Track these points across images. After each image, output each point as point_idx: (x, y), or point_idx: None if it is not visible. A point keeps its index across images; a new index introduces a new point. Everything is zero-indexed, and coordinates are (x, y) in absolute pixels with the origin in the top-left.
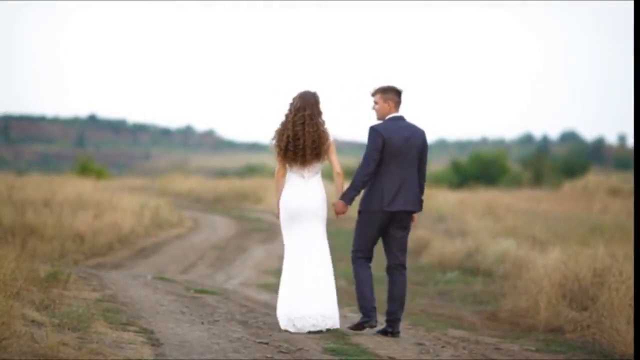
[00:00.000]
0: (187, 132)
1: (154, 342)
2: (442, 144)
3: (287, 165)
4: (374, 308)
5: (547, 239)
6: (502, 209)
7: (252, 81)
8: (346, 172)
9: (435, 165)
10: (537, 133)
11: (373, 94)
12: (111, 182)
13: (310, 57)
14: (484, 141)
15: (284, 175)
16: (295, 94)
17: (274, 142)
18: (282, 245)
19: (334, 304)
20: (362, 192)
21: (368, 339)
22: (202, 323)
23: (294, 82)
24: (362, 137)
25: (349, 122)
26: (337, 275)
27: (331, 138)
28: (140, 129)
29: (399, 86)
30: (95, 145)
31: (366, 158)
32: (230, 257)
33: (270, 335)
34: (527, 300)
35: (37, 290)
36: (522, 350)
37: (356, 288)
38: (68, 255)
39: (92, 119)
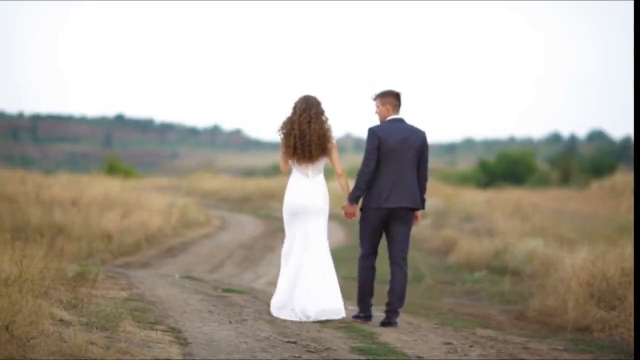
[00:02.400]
0: (214, 132)
1: (182, 341)
2: (469, 143)
3: (291, 164)
4: (371, 304)
5: (574, 238)
6: (529, 209)
7: (280, 80)
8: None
9: (462, 164)
10: (565, 132)
11: (374, 99)
12: (138, 181)
13: (339, 57)
14: (511, 140)
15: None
16: (297, 98)
17: (282, 142)
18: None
19: (336, 296)
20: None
21: (396, 338)
22: (230, 322)
23: (321, 82)
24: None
25: (375, 122)
26: None
27: (334, 139)
28: (167, 129)
29: (397, 90)
30: (122, 145)
31: (365, 158)
32: (258, 257)
33: (298, 335)
34: (555, 299)
35: (65, 290)
36: (550, 349)
37: (358, 281)
38: (96, 254)
39: (120, 118)
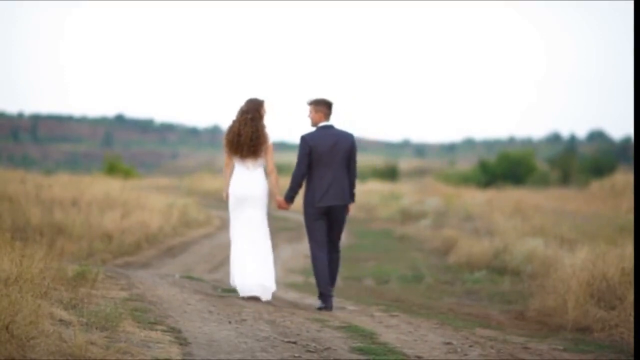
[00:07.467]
0: (214, 132)
1: (182, 341)
2: (469, 144)
3: (233, 158)
4: (330, 295)
5: (575, 238)
6: (529, 209)
7: (280, 81)
8: (364, 171)
9: (462, 164)
10: (565, 132)
11: (309, 104)
12: (139, 181)
13: (338, 59)
14: (511, 140)
15: (229, 166)
16: (245, 99)
17: (224, 136)
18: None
19: (272, 276)
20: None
21: (395, 338)
22: (230, 322)
23: (321, 82)
24: (387, 136)
25: (376, 122)
26: (366, 275)
27: (270, 141)
28: (167, 129)
29: (329, 99)
30: (123, 145)
31: (297, 163)
32: None
33: (298, 335)
34: (555, 299)
35: (65, 290)
36: (550, 349)
37: (314, 274)
38: (96, 254)
39: (120, 118)
